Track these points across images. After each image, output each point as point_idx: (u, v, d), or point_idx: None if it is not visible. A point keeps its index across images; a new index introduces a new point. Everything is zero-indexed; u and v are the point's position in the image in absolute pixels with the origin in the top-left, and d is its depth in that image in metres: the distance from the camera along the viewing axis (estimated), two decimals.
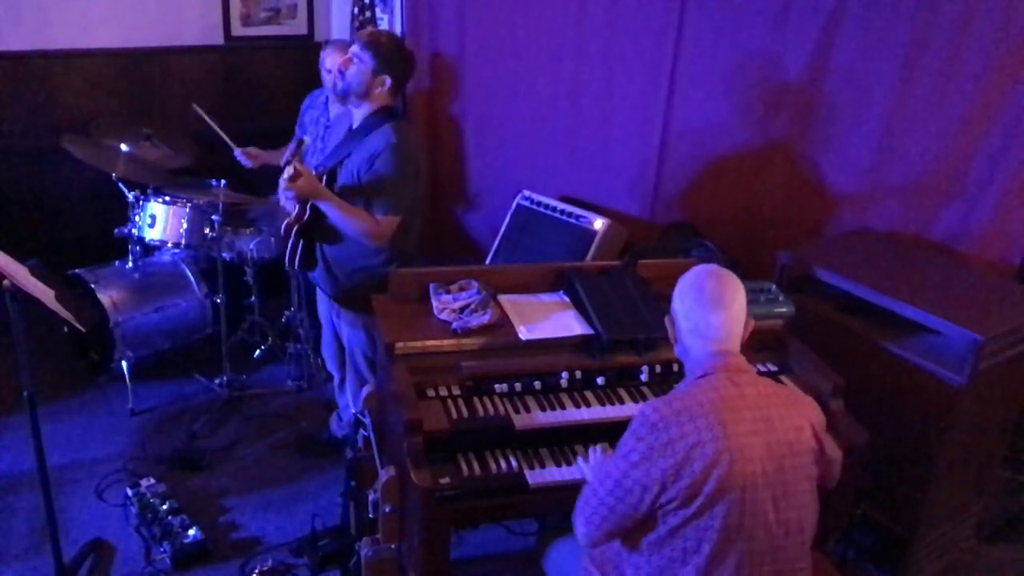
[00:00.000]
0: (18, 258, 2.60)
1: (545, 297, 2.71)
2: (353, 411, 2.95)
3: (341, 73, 2.86)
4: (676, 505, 1.81)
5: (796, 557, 1.91)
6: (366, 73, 2.83)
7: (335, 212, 2.84)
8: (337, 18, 5.02)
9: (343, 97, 2.92)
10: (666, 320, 2.02)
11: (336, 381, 3.52)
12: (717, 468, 1.78)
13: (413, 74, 3.02)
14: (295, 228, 2.98)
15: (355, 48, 2.85)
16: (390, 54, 2.84)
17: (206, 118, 3.77)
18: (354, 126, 2.96)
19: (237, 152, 3.84)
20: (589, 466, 2.19)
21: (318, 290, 3.32)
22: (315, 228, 2.99)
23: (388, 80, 2.85)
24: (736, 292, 1.93)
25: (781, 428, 1.85)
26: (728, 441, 1.79)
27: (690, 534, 1.83)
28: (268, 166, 4.00)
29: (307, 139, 2.92)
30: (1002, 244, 2.96)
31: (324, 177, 2.92)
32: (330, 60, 3.68)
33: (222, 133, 3.81)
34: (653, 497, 1.82)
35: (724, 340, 1.90)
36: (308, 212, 2.93)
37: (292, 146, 2.86)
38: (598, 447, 2.25)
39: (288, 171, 2.73)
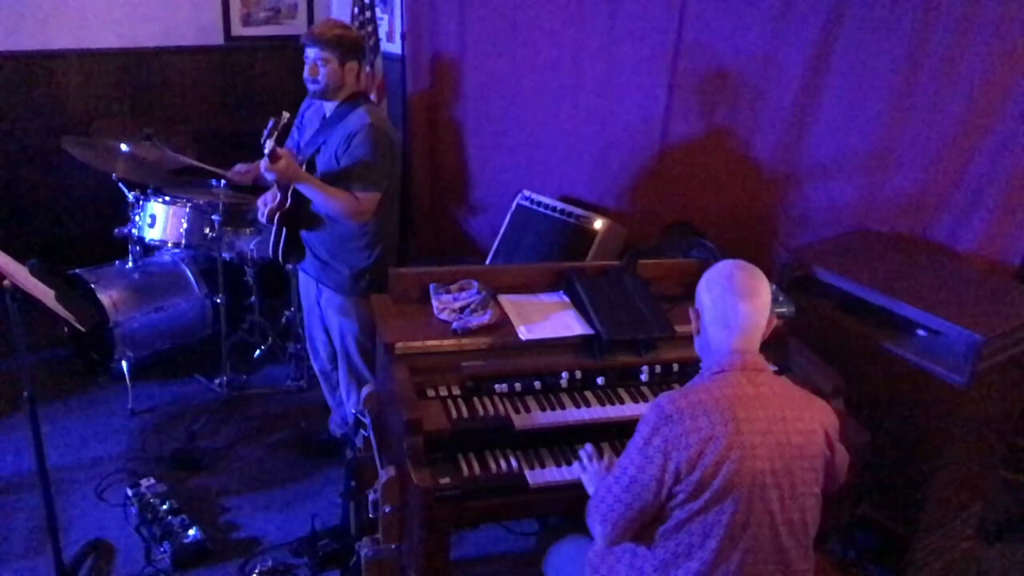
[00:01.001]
0: (18, 258, 2.60)
1: (545, 297, 2.71)
2: (352, 410, 2.95)
3: (313, 79, 2.92)
4: (684, 498, 1.82)
5: (799, 558, 1.91)
6: (336, 70, 2.92)
7: (316, 193, 2.90)
8: (337, 18, 5.01)
9: (321, 96, 2.99)
10: (690, 312, 2.02)
11: (322, 378, 3.50)
12: (727, 463, 1.78)
13: (365, 44, 3.08)
14: (277, 215, 3.03)
15: (314, 52, 2.89)
16: (345, 41, 2.92)
17: (188, 160, 3.74)
18: (327, 114, 3.03)
19: (228, 176, 3.83)
20: (587, 475, 2.16)
21: (303, 280, 3.34)
22: (297, 215, 3.05)
23: (355, 64, 2.96)
24: (763, 285, 1.94)
25: (793, 430, 1.85)
26: (740, 438, 1.79)
27: (696, 528, 1.84)
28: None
29: (286, 114, 2.89)
30: (1002, 244, 2.96)
31: (303, 166, 2.99)
32: None
33: (206, 169, 3.76)
34: (668, 489, 1.83)
35: (748, 331, 1.91)
36: (289, 199, 2.99)
37: (271, 122, 2.80)
38: (591, 452, 2.22)
39: (267, 147, 2.75)
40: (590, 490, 2.08)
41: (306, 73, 2.93)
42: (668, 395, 1.89)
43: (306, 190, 2.91)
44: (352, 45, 2.94)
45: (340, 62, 2.90)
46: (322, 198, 2.91)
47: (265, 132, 2.80)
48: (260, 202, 3.07)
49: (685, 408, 1.83)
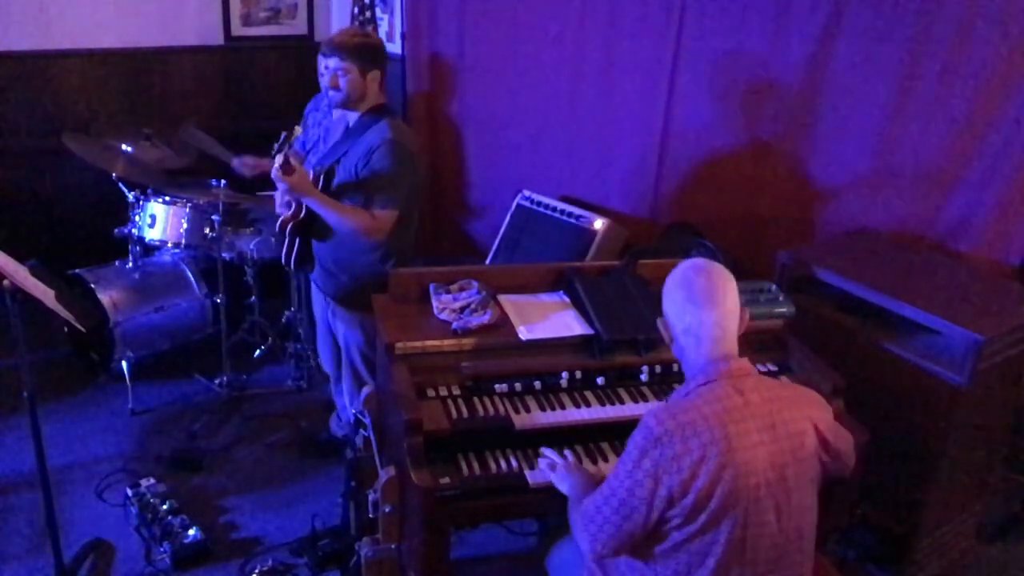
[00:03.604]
0: (18, 258, 2.60)
1: (545, 297, 2.71)
2: (352, 411, 2.95)
3: (335, 89, 2.87)
4: (680, 522, 1.79)
5: (798, 562, 1.90)
6: (357, 79, 2.86)
7: (327, 212, 2.86)
8: (337, 18, 5.02)
9: (343, 106, 2.95)
10: (659, 322, 1.98)
11: (332, 380, 3.52)
12: (721, 485, 1.75)
13: (387, 55, 3.04)
14: (290, 226, 3.01)
15: (334, 62, 2.84)
16: (367, 50, 2.86)
17: (200, 136, 3.77)
18: (350, 125, 3.00)
19: (234, 162, 3.84)
20: (556, 475, 2.13)
21: (313, 288, 3.33)
22: (311, 226, 3.02)
23: (378, 73, 2.90)
24: (727, 285, 1.88)
25: (785, 435, 1.82)
26: (733, 455, 1.75)
27: (694, 548, 1.81)
28: (266, 174, 4.00)
29: (298, 129, 2.91)
30: (1002, 244, 2.96)
31: (321, 176, 2.95)
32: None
33: (217, 148, 3.79)
34: (660, 514, 1.79)
35: (721, 339, 1.86)
36: (304, 210, 2.96)
37: (283, 135, 2.85)
38: (568, 454, 2.22)
39: (279, 159, 2.75)
40: (563, 488, 2.07)
41: (326, 83, 2.89)
42: (656, 414, 1.82)
43: (317, 207, 2.86)
44: (373, 53, 2.88)
45: (361, 72, 2.85)
46: (334, 216, 2.85)
47: (276, 146, 2.83)
48: (277, 197, 3.03)
49: (675, 430, 1.77)
